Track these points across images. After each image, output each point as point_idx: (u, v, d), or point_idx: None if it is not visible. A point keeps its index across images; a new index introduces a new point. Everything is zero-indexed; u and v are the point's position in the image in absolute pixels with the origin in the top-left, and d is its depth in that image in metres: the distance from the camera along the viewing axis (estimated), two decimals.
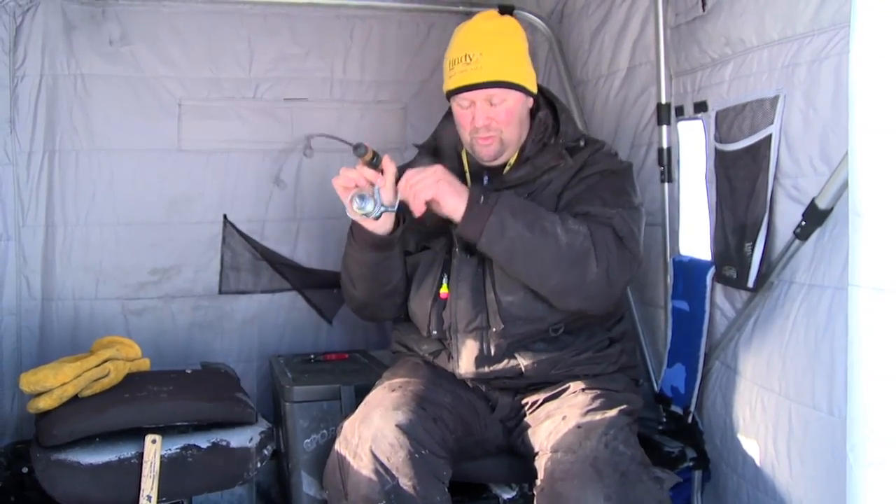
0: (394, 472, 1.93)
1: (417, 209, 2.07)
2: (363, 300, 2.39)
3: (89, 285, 2.97)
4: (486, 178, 2.33)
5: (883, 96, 1.18)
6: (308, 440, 2.52)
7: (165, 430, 2.26)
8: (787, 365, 2.04)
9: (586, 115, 3.14)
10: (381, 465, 1.94)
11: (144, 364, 2.55)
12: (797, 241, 2.04)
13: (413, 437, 1.98)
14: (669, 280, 2.65)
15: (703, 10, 2.38)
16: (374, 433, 1.98)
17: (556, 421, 2.08)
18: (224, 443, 2.30)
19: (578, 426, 2.01)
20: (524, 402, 2.26)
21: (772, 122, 2.09)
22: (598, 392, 2.17)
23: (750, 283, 2.20)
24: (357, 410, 2.13)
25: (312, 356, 3.03)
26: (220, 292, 3.13)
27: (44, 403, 2.28)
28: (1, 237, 2.81)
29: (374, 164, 2.09)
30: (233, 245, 3.13)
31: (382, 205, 2.09)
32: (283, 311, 3.23)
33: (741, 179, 2.23)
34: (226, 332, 3.16)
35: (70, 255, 2.94)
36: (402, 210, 2.14)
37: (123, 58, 2.95)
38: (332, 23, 3.19)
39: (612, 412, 2.07)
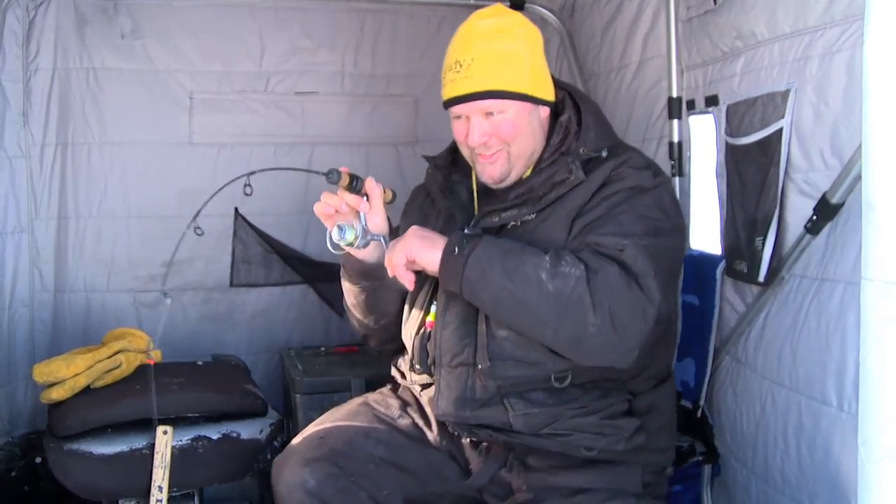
0: None
1: (407, 282, 1.85)
2: (363, 330, 2.20)
3: (101, 277, 3.00)
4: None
5: None
6: None
7: (176, 422, 2.28)
8: (797, 360, 2.03)
9: None
10: None
11: (156, 356, 2.56)
12: (808, 236, 2.03)
13: (319, 497, 1.84)
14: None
15: (715, 3, 2.37)
16: (283, 490, 1.88)
17: None
18: (234, 434, 2.32)
19: None
20: (512, 484, 1.94)
21: (783, 116, 2.07)
22: (605, 494, 1.87)
23: (760, 278, 2.19)
24: (283, 451, 1.98)
25: (322, 349, 3.05)
26: (232, 285, 3.16)
27: (56, 394, 2.30)
28: (14, 229, 2.84)
29: (356, 188, 1.86)
30: (244, 238, 3.15)
31: (369, 232, 1.87)
32: (294, 303, 3.25)
33: (752, 174, 2.21)
34: (237, 325, 3.18)
35: (82, 248, 2.97)
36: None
37: (135, 51, 2.98)
38: (343, 16, 3.20)
39: None
